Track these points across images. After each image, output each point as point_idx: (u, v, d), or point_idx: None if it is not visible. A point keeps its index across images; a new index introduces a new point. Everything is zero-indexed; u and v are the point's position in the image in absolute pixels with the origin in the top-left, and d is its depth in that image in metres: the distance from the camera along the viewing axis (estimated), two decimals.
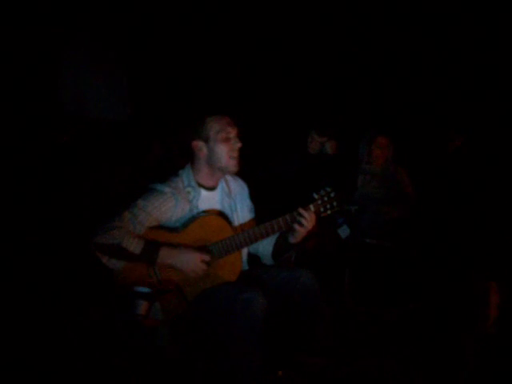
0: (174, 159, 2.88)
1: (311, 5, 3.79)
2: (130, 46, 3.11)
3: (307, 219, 1.77)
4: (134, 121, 3.02)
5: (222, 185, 1.97)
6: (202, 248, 1.79)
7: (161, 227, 1.80)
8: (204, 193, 1.89)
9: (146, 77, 3.28)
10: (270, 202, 2.25)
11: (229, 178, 2.01)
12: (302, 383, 1.89)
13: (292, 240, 1.85)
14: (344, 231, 3.01)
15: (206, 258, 1.74)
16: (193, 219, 1.81)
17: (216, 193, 1.94)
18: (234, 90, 3.71)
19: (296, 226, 1.78)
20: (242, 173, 1.97)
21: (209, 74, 3.65)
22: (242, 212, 1.99)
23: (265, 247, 1.98)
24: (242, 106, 3.55)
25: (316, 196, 1.81)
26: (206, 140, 1.84)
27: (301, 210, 1.78)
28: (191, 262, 1.71)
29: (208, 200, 1.90)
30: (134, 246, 1.66)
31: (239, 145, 1.86)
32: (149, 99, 3.25)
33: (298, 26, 3.85)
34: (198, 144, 1.86)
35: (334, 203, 1.82)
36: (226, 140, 1.83)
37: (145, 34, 3.30)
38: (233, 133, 1.85)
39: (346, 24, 3.87)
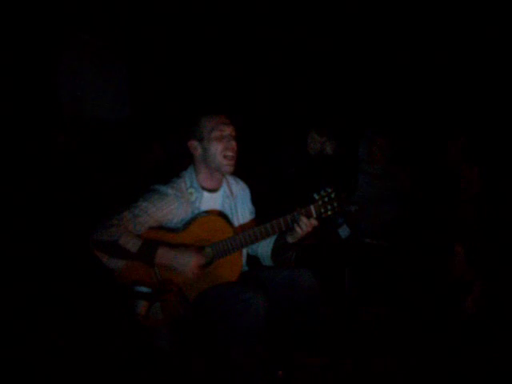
0: (173, 159, 2.88)
1: (311, 4, 3.79)
2: (130, 45, 3.11)
3: (307, 220, 1.77)
4: (134, 121, 3.02)
5: (223, 187, 1.96)
6: (201, 248, 1.78)
7: (161, 227, 1.80)
8: (206, 195, 1.89)
9: (146, 77, 3.28)
10: (270, 202, 2.24)
11: (231, 180, 2.00)
12: (301, 383, 1.89)
13: (290, 240, 1.85)
14: (344, 231, 3.01)
15: (202, 260, 1.74)
16: (193, 219, 1.81)
17: (218, 194, 1.93)
18: (235, 89, 3.71)
19: (296, 227, 1.78)
20: (243, 173, 1.97)
21: (209, 74, 3.65)
22: (242, 214, 1.99)
23: (264, 248, 1.97)
24: (243, 106, 3.55)
25: (317, 196, 1.81)
26: (201, 139, 1.84)
27: (301, 211, 1.78)
28: (188, 264, 1.71)
29: (209, 202, 1.90)
30: (132, 245, 1.65)
31: (233, 143, 1.83)
32: (149, 99, 3.25)
33: (298, 26, 3.85)
34: (193, 143, 1.86)
35: (335, 204, 1.81)
36: (220, 138, 1.81)
37: (145, 33, 3.29)
38: (227, 131, 1.84)
39: (347, 24, 3.87)
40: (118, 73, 2.93)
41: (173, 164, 2.68)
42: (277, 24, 3.80)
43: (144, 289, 1.74)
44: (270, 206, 2.09)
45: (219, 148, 1.82)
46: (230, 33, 3.71)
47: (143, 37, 3.29)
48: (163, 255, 1.69)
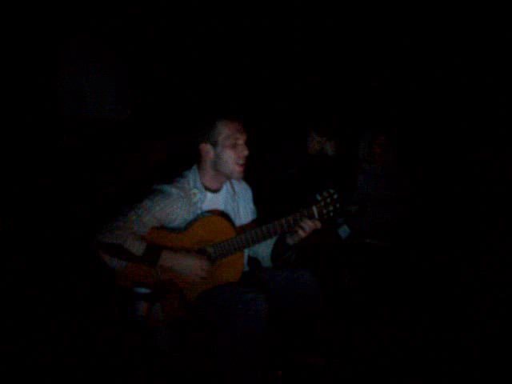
0: (174, 159, 2.89)
1: (310, 5, 3.79)
2: (130, 45, 3.10)
3: (310, 221, 1.77)
4: (135, 121, 3.02)
5: (226, 187, 1.96)
6: (202, 251, 1.79)
7: (164, 227, 1.80)
8: (209, 195, 1.89)
9: (146, 76, 3.28)
10: (271, 202, 2.24)
11: (233, 180, 2.00)
12: (301, 383, 1.89)
13: (290, 241, 1.85)
14: (344, 231, 3.02)
15: (206, 264, 1.75)
16: (196, 219, 1.81)
17: (220, 195, 1.94)
18: (235, 89, 3.71)
19: (298, 228, 1.78)
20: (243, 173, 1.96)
21: (209, 73, 3.65)
22: (244, 214, 1.99)
23: (264, 250, 1.98)
24: (242, 106, 3.55)
25: (319, 197, 1.81)
26: (214, 144, 1.83)
27: (303, 212, 1.78)
28: (191, 268, 1.72)
29: (212, 202, 1.90)
30: (136, 248, 1.67)
31: (246, 152, 1.84)
32: (150, 99, 3.25)
33: (298, 26, 3.85)
34: (206, 147, 1.84)
35: (337, 205, 1.81)
36: (234, 146, 1.81)
37: (145, 33, 3.29)
38: (241, 139, 1.83)
39: (347, 24, 3.87)
40: (119, 73, 2.93)
41: (174, 164, 2.68)
42: (277, 22, 3.80)
43: (145, 290, 1.74)
44: (270, 206, 2.10)
45: (233, 156, 1.81)
46: (230, 32, 3.71)
47: (144, 37, 3.29)
48: (167, 260, 1.70)
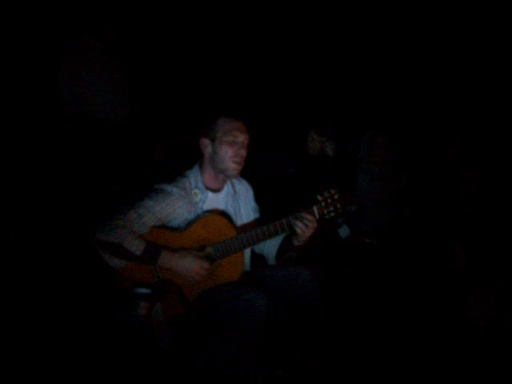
0: (171, 159, 2.89)
1: (310, 6, 3.79)
2: (130, 45, 3.11)
3: (310, 222, 1.77)
4: (135, 121, 3.02)
5: (227, 187, 1.97)
6: (202, 250, 1.79)
7: (164, 226, 1.80)
8: (211, 195, 1.90)
9: (146, 76, 3.28)
10: (271, 202, 2.25)
11: (234, 180, 2.01)
12: (301, 383, 1.89)
13: (296, 243, 1.86)
14: (344, 231, 3.01)
15: (206, 265, 1.75)
16: (196, 219, 1.81)
17: (221, 194, 1.94)
18: (235, 90, 3.71)
19: (298, 229, 1.78)
20: (244, 174, 1.97)
21: (208, 74, 3.65)
22: (245, 213, 2.00)
23: (270, 248, 1.98)
24: (242, 106, 3.55)
25: (320, 198, 1.81)
26: (213, 139, 1.85)
27: (304, 213, 1.78)
28: (191, 267, 1.72)
29: (213, 202, 1.90)
30: (136, 248, 1.66)
31: (243, 151, 1.84)
32: (149, 99, 3.25)
33: (298, 26, 3.85)
34: (205, 141, 1.87)
35: (338, 205, 1.81)
36: (231, 144, 1.82)
37: (145, 33, 3.30)
38: (240, 138, 1.84)
39: (347, 24, 3.87)
40: (119, 73, 2.93)
41: (174, 163, 2.68)
42: (277, 22, 3.80)
43: (145, 290, 1.74)
44: (270, 206, 2.10)
45: (229, 153, 1.82)
46: (229, 32, 3.71)
47: (143, 37, 3.29)
48: (166, 259, 1.70)
